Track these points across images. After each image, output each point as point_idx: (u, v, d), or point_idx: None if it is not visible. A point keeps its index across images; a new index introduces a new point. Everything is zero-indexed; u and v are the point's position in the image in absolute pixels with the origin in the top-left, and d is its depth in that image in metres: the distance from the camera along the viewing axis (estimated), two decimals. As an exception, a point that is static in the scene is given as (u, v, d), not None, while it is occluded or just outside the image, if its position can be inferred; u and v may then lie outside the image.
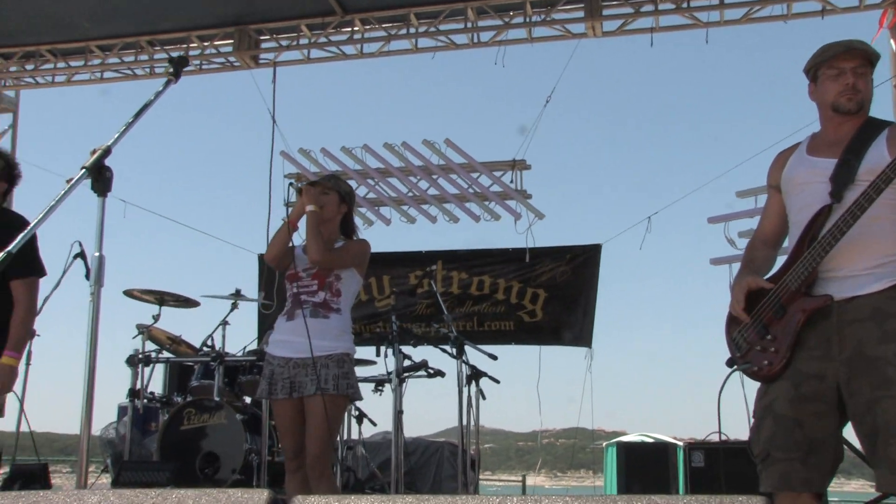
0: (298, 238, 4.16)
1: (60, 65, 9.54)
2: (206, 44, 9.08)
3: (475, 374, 5.55)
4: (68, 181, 2.46)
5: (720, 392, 3.24)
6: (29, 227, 2.39)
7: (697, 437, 6.44)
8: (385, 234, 8.95)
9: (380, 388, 6.25)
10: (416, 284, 8.57)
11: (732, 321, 3.01)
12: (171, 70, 2.88)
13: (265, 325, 9.08)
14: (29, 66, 9.60)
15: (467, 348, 5.35)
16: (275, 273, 9.13)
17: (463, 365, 5.33)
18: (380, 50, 8.71)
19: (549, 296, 8.86)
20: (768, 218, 3.20)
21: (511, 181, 8.82)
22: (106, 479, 8.98)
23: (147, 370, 6.13)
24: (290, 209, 9.22)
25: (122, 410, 8.83)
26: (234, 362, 6.08)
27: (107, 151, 2.54)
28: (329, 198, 4.20)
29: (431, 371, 5.56)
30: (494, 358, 5.44)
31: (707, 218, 8.17)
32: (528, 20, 8.29)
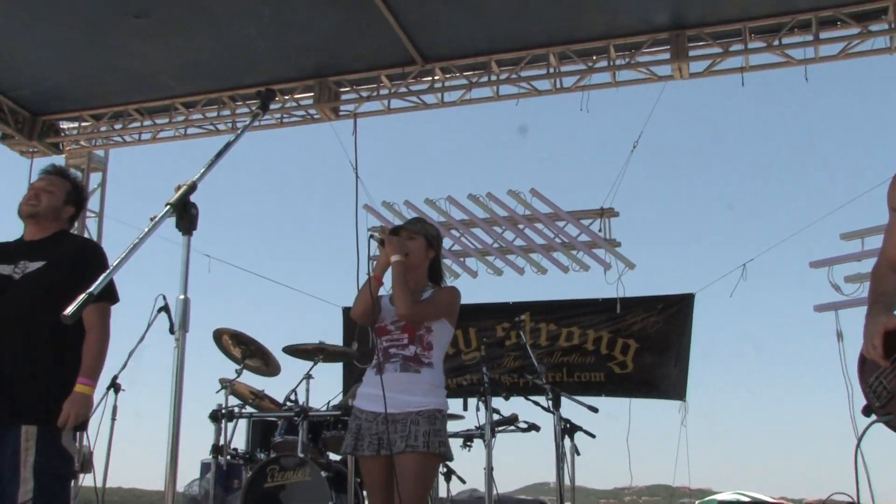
0: (385, 289, 3.98)
1: (147, 123, 9.69)
2: (286, 97, 9.11)
3: (570, 428, 5.25)
4: (152, 218, 2.32)
5: (858, 445, 2.90)
6: (112, 267, 2.25)
7: (793, 498, 5.96)
8: (471, 286, 8.75)
9: (468, 443, 5.99)
10: (504, 336, 8.34)
11: (867, 365, 2.70)
12: (259, 103, 2.78)
13: (351, 379, 8.93)
14: (117, 126, 9.78)
15: (563, 400, 5.06)
16: (355, 326, 9.01)
17: (558, 418, 5.04)
18: (461, 98, 8.61)
19: (640, 347, 8.53)
20: (893, 241, 2.89)
21: (599, 230, 8.57)
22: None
23: (230, 426, 5.98)
24: (373, 263, 9.16)
25: (204, 467, 8.73)
26: (319, 417, 5.88)
27: (192, 187, 2.40)
28: (415, 243, 4.02)
29: (525, 425, 5.29)
30: (595, 410, 5.14)
31: (809, 263, 7.77)
32: (611, 63, 8.09)
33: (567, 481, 5.43)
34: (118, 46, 8.19)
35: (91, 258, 3.74)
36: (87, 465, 10.68)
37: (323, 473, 5.55)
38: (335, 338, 9.29)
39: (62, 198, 3.81)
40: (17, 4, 7.57)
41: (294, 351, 6.05)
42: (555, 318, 8.69)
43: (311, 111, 9.08)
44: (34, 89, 9.32)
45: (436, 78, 8.55)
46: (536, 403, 5.26)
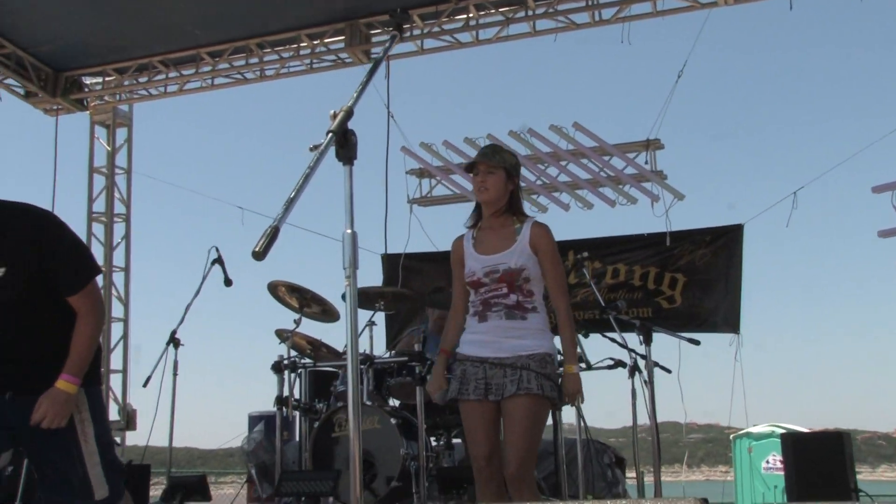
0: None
1: (172, 74, 9.49)
2: (315, 42, 8.89)
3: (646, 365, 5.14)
4: (313, 148, 2.18)
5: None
6: (285, 209, 2.06)
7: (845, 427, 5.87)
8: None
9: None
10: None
11: None
12: (393, 25, 2.63)
13: (393, 328, 8.85)
14: (142, 79, 9.59)
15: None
16: (398, 273, 8.91)
17: (641, 355, 4.93)
18: (497, 35, 8.38)
19: (689, 280, 8.41)
20: None
21: (646, 162, 8.39)
22: (239, 488, 8.88)
23: (293, 377, 5.91)
24: (413, 206, 8.87)
25: (252, 420, 8.74)
26: (383, 364, 5.81)
27: (349, 113, 2.26)
28: (495, 178, 3.81)
29: (612, 362, 5.19)
30: (697, 343, 5.03)
31: (871, 187, 7.57)
32: (652, -8, 7.85)
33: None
34: (142, -4, 7.99)
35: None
36: (131, 423, 10.70)
37: (392, 420, 5.49)
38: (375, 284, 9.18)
39: None
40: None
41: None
42: (600, 255, 8.54)
43: (342, 55, 8.86)
44: (56, 44, 9.11)
45: (470, 15, 8.32)
46: (613, 340, 5.16)
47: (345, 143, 2.21)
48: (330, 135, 2.20)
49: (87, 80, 9.91)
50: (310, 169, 2.13)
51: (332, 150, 2.21)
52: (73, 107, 9.86)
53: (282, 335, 6.08)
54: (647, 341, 4.85)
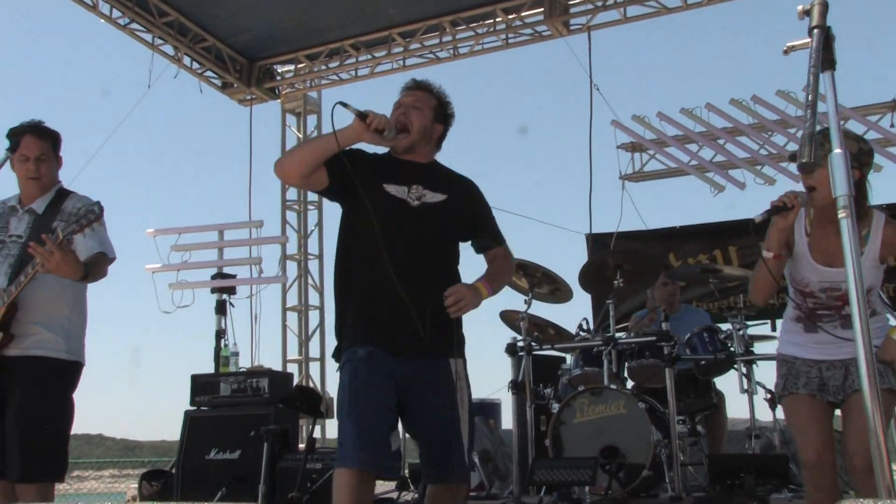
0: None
1: (363, 57, 9.39)
2: (510, 16, 8.59)
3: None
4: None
5: None
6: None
7: None
8: (737, 197, 8.01)
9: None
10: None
11: None
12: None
13: (599, 310, 8.42)
14: (332, 64, 9.54)
15: None
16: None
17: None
18: (708, -2, 7.84)
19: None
20: None
21: (892, 125, 7.64)
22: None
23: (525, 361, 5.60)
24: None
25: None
26: (624, 346, 5.42)
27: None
28: (822, 173, 3.35)
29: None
30: None
31: None
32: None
33: None
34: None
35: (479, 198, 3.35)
36: (329, 411, 10.71)
37: (640, 405, 5.11)
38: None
39: (431, 116, 3.24)
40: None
41: (588, 275, 5.59)
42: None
43: (539, 28, 8.52)
44: (252, 34, 9.18)
45: (679, -24, 7.82)
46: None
47: (827, 45, 1.84)
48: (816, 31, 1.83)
49: (279, 69, 9.95)
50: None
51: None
52: (266, 96, 9.93)
53: (512, 318, 5.77)
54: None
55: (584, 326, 5.74)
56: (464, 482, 3.14)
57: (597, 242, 8.39)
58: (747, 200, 8.40)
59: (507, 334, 5.73)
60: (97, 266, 3.61)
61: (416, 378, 3.00)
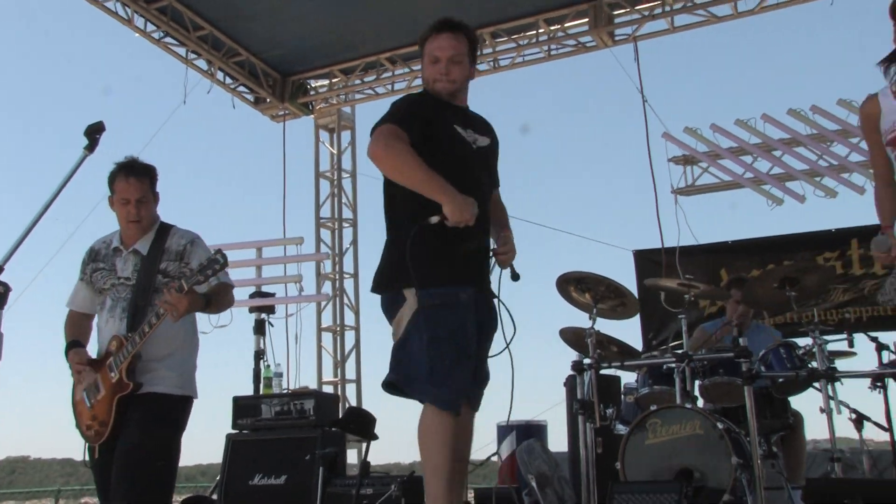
0: None
1: (399, 71, 9.18)
2: (553, 27, 8.37)
3: None
4: None
5: None
6: None
7: None
8: (797, 211, 7.71)
9: (878, 384, 5.07)
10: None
11: None
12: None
13: (649, 327, 8.14)
14: (368, 78, 9.34)
15: None
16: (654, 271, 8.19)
17: None
18: (759, 6, 7.60)
19: None
20: None
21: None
22: None
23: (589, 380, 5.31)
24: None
25: (501, 430, 8.20)
26: (703, 362, 5.12)
27: None
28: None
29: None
30: None
31: None
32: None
33: None
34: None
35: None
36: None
37: (719, 425, 4.81)
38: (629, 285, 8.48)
39: (468, 64, 3.32)
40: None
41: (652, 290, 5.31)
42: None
43: (583, 39, 8.30)
44: (285, 49, 9.01)
45: (726, -15, 7.58)
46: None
47: None
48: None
49: (313, 83, 9.75)
50: None
51: None
52: (299, 111, 9.74)
53: (577, 335, 5.47)
54: None
55: (654, 342, 5.47)
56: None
57: (642, 259, 8.11)
58: (808, 212, 8.13)
59: (545, 354, 5.47)
60: (219, 296, 3.68)
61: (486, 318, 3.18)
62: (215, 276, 3.42)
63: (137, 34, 8.23)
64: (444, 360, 2.93)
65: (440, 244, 3.03)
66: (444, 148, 3.10)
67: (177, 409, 3.65)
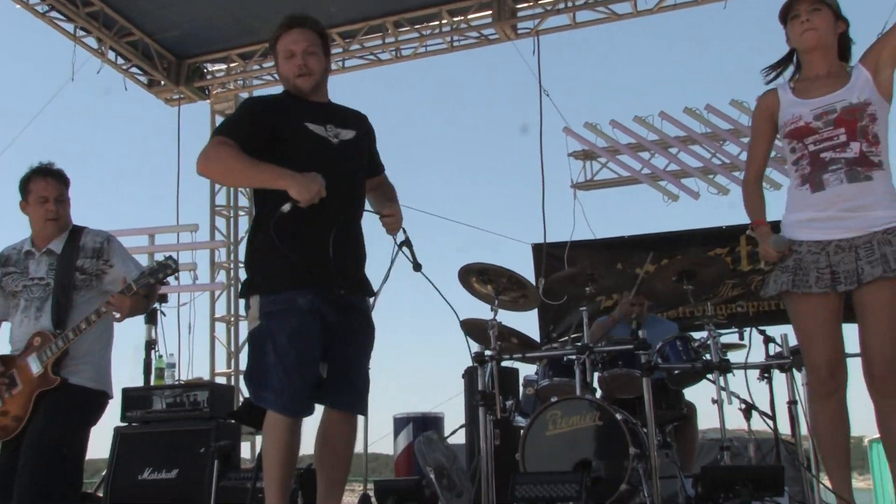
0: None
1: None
2: (456, 18, 8.35)
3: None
4: None
5: None
6: None
7: None
8: (691, 208, 7.91)
9: (766, 375, 5.23)
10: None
11: None
12: None
13: (547, 319, 8.21)
14: (267, 64, 9.14)
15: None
16: (553, 264, 8.27)
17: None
18: (658, 6, 7.76)
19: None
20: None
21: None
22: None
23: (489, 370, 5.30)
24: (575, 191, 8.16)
25: (398, 422, 8.16)
26: (603, 354, 5.18)
27: None
28: (820, 17, 3.12)
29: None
30: None
31: None
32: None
33: None
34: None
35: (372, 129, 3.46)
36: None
37: (618, 416, 4.88)
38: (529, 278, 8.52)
39: (323, 55, 3.26)
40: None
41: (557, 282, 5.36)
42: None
43: (486, 31, 8.31)
44: (182, 29, 8.71)
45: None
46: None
47: None
48: None
49: (210, 67, 9.48)
50: None
51: None
52: (195, 95, 9.46)
53: (479, 326, 5.46)
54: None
55: (552, 334, 5.51)
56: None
57: (539, 252, 8.17)
58: (700, 209, 8.36)
59: (443, 347, 5.48)
60: (151, 299, 3.84)
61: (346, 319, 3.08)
62: (165, 283, 3.56)
63: (19, 6, 7.81)
64: (281, 365, 2.92)
65: (295, 244, 2.97)
66: (293, 146, 3.04)
67: (90, 402, 3.67)
